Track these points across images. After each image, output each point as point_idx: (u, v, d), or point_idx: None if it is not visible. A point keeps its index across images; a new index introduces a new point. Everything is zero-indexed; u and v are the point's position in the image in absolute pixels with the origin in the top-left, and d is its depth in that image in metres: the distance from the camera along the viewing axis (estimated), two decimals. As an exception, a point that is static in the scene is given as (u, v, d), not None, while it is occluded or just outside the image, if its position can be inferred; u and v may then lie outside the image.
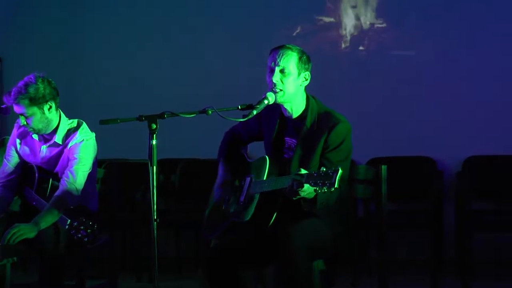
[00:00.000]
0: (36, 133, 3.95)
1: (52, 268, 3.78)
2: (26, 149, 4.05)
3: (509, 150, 5.68)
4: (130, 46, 6.49)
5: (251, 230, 3.38)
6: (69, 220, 3.70)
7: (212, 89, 6.16)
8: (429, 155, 5.81)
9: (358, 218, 5.49)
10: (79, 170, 3.88)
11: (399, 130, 5.92)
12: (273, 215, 3.27)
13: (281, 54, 3.34)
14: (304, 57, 3.38)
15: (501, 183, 5.61)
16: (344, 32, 6.13)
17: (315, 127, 3.35)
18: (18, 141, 4.07)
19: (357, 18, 6.10)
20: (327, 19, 6.15)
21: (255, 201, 3.32)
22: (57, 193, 3.84)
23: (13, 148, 4.08)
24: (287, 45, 3.38)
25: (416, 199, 5.67)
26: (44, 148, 3.99)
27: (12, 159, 4.08)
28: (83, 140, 3.93)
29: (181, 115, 3.23)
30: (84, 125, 4.02)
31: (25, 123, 3.88)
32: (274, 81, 3.33)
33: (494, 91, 5.82)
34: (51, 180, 3.96)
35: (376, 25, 6.07)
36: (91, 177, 3.98)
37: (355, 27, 6.11)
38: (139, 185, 5.51)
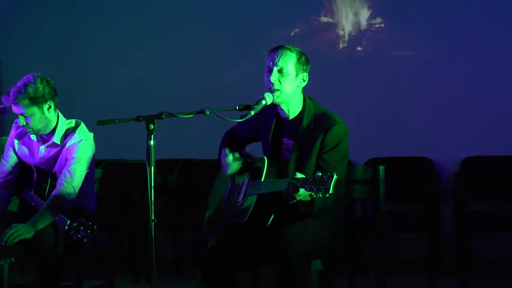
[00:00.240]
0: (35, 134, 3.94)
1: (50, 268, 3.77)
2: (25, 149, 4.04)
3: (507, 150, 5.69)
4: (128, 47, 6.48)
5: (249, 230, 3.38)
6: (68, 221, 3.70)
7: (210, 90, 6.16)
8: (427, 155, 5.82)
9: (356, 218, 5.49)
10: (76, 169, 3.88)
11: (397, 130, 5.92)
12: (271, 216, 3.27)
13: (280, 54, 3.34)
14: (303, 58, 3.38)
15: (498, 184, 5.61)
16: (342, 33, 6.13)
17: (312, 128, 3.35)
18: (16, 141, 4.07)
19: (355, 18, 6.10)
20: (325, 20, 6.16)
21: (253, 202, 3.32)
22: (54, 192, 3.84)
23: (11, 149, 4.08)
24: (286, 46, 3.38)
25: (414, 199, 5.66)
26: (42, 148, 3.99)
27: (11, 160, 4.08)
28: (81, 140, 3.93)
29: (179, 115, 3.24)
30: (82, 125, 4.02)
31: (24, 123, 3.87)
32: (272, 80, 3.33)
33: (492, 92, 5.83)
34: (49, 180, 3.96)
35: (374, 26, 6.07)
36: (89, 177, 3.98)
37: (353, 27, 6.11)
38: (137, 185, 5.51)
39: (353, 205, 5.43)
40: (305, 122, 3.37)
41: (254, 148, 3.72)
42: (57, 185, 3.86)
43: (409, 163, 5.82)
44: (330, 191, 2.93)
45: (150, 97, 6.28)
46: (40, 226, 3.72)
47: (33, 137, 3.99)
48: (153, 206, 3.11)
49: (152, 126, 3.14)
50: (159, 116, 3.17)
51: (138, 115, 3.18)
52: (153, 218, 3.10)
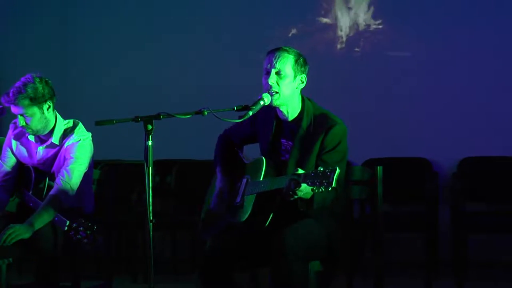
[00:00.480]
0: (34, 134, 3.94)
1: (48, 269, 3.77)
2: (23, 150, 4.04)
3: (504, 151, 5.70)
4: (127, 47, 6.49)
5: (247, 231, 3.38)
6: (68, 222, 3.69)
7: (208, 90, 6.17)
8: (425, 156, 5.83)
9: (354, 219, 5.49)
10: (75, 169, 3.88)
11: (395, 131, 5.93)
12: (269, 216, 3.27)
13: (278, 56, 3.34)
14: (301, 59, 3.38)
15: (496, 185, 5.62)
16: (340, 33, 6.14)
17: (311, 129, 3.35)
18: (14, 142, 4.06)
19: (353, 19, 6.10)
20: (323, 20, 6.16)
21: (252, 202, 3.32)
22: (51, 192, 3.84)
23: (8, 150, 4.08)
24: (284, 47, 3.38)
25: (412, 200, 5.68)
26: (41, 149, 3.99)
27: (9, 161, 4.07)
28: (80, 139, 3.93)
29: (177, 116, 3.24)
30: (80, 125, 4.02)
31: (24, 123, 3.87)
32: (269, 83, 3.33)
33: (490, 92, 5.83)
34: (47, 180, 3.96)
35: (372, 26, 6.08)
36: (87, 177, 3.98)
37: (351, 28, 6.11)
38: (135, 186, 5.51)
39: (351, 205, 5.42)
40: (304, 123, 3.37)
41: (251, 149, 3.72)
42: (55, 184, 3.86)
43: (407, 164, 5.83)
44: (333, 185, 2.93)
45: (148, 97, 6.29)
46: (38, 226, 3.72)
47: (31, 138, 3.99)
48: (151, 207, 3.11)
49: (150, 127, 3.14)
50: (157, 116, 3.17)
51: (136, 116, 3.18)
52: (151, 218, 3.10)
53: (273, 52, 3.36)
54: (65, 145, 3.93)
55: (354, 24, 6.11)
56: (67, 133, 3.97)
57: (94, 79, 6.55)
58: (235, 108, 3.33)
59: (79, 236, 3.67)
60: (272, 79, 3.33)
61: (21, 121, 3.88)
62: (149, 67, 6.44)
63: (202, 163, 5.88)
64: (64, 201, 3.83)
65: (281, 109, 3.41)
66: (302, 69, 3.38)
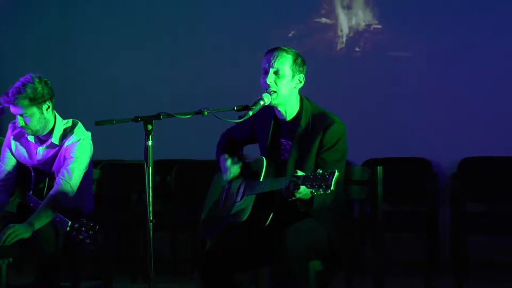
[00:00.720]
0: (34, 134, 3.94)
1: (48, 269, 3.77)
2: (22, 151, 4.04)
3: (504, 151, 5.69)
4: (127, 47, 6.49)
5: (247, 230, 3.38)
6: (70, 222, 3.69)
7: (208, 90, 6.17)
8: (425, 156, 5.82)
9: (354, 219, 5.49)
10: (75, 168, 3.88)
11: (395, 131, 5.92)
12: (269, 216, 3.27)
13: (276, 56, 3.34)
14: (299, 59, 3.38)
15: (496, 185, 5.61)
16: (340, 33, 6.13)
17: (310, 128, 3.35)
18: (13, 143, 4.06)
19: (353, 19, 6.10)
20: (323, 21, 6.16)
21: (252, 202, 3.32)
22: (51, 192, 3.84)
23: (8, 150, 4.07)
24: (282, 47, 3.38)
25: (412, 200, 5.67)
26: (40, 149, 3.98)
27: (8, 161, 4.07)
28: (79, 139, 3.93)
29: (177, 116, 3.24)
30: (80, 125, 4.02)
31: (23, 124, 3.87)
32: (268, 82, 3.33)
33: (489, 92, 5.83)
34: (47, 180, 3.96)
35: (372, 26, 6.08)
36: (87, 177, 3.98)
37: (351, 28, 6.11)
38: (134, 186, 5.51)
39: (351, 205, 5.43)
40: (303, 122, 3.37)
41: (252, 149, 3.72)
42: (55, 184, 3.86)
43: (407, 164, 5.82)
44: (332, 188, 2.94)
45: (148, 97, 6.29)
46: (38, 225, 3.72)
47: (31, 138, 3.99)
48: (151, 207, 3.11)
49: (150, 127, 3.14)
50: (157, 116, 3.17)
51: (136, 116, 3.18)
52: (151, 218, 3.10)
53: (272, 52, 3.36)
54: (65, 144, 3.93)
55: (354, 24, 6.11)
56: (67, 133, 3.97)
57: (94, 79, 6.55)
58: (235, 108, 3.34)
59: (81, 237, 3.66)
60: (270, 79, 3.34)
61: (20, 121, 3.87)
62: (149, 67, 6.44)
63: (202, 163, 5.88)
64: (64, 201, 3.83)
65: (279, 108, 3.41)
66: (300, 68, 3.38)
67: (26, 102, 3.81)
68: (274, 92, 3.34)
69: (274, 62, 3.33)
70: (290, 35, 6.16)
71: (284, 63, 3.34)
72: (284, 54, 3.35)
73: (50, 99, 3.89)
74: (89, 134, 4.00)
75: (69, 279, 4.05)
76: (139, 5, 6.51)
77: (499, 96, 5.81)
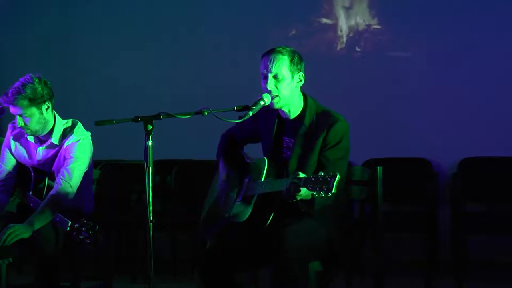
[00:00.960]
0: (33, 135, 3.94)
1: (48, 269, 3.77)
2: (22, 151, 4.04)
3: (505, 151, 5.69)
4: (126, 47, 6.49)
5: (248, 230, 3.38)
6: (70, 222, 3.69)
7: (208, 90, 6.17)
8: (425, 156, 5.82)
9: (354, 219, 5.49)
10: (75, 168, 3.87)
11: (395, 131, 5.92)
12: (270, 216, 3.27)
13: (272, 60, 3.33)
14: (296, 58, 3.37)
15: (496, 185, 5.61)
16: (340, 34, 6.13)
17: (314, 126, 3.35)
18: (13, 143, 4.06)
19: (353, 19, 6.10)
20: (323, 21, 6.16)
21: (253, 202, 3.32)
22: (51, 192, 3.84)
23: (7, 151, 4.07)
24: (277, 49, 3.36)
25: (412, 200, 5.67)
26: (40, 150, 3.98)
27: (8, 162, 4.07)
28: (79, 139, 3.93)
29: (177, 116, 3.23)
30: (79, 125, 4.02)
31: (23, 124, 3.86)
32: (269, 88, 3.33)
33: (490, 92, 5.83)
34: (47, 179, 3.95)
35: (372, 27, 6.08)
36: (87, 177, 3.98)
37: (351, 28, 6.11)
38: (135, 186, 5.51)
39: (351, 205, 5.42)
40: (307, 120, 3.37)
41: (253, 148, 3.72)
42: (55, 184, 3.86)
43: (407, 164, 5.82)
44: (333, 191, 2.93)
45: (148, 97, 6.29)
46: (38, 225, 3.72)
47: (31, 138, 3.98)
48: (151, 207, 3.11)
49: (150, 127, 3.14)
50: (157, 116, 3.17)
51: (136, 116, 3.18)
52: (151, 218, 3.10)
53: (267, 56, 3.35)
54: (65, 144, 3.93)
55: (354, 25, 6.11)
56: (67, 133, 3.97)
57: (94, 79, 6.55)
58: (235, 108, 3.34)
59: (81, 237, 3.66)
60: (271, 84, 3.33)
61: (19, 122, 3.87)
62: (149, 67, 6.44)
63: (202, 163, 5.88)
64: (64, 201, 3.82)
65: (283, 109, 3.41)
66: (299, 67, 3.37)
67: (25, 102, 3.81)
68: (276, 96, 3.33)
69: (272, 66, 3.32)
70: (290, 35, 6.16)
71: (282, 65, 3.33)
72: (280, 56, 3.34)
73: (50, 99, 3.89)
74: (89, 134, 4.00)
75: (69, 279, 4.05)
76: (139, 5, 6.51)
77: (499, 96, 5.80)
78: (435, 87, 5.92)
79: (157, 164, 5.83)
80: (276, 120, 3.47)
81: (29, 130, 3.90)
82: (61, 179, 3.85)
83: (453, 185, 5.64)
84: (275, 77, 3.33)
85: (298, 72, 3.38)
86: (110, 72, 6.51)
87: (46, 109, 3.88)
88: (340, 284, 5.05)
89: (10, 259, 3.90)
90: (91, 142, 3.99)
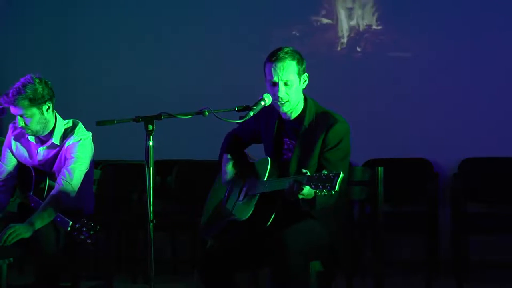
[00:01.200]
0: (34, 135, 3.93)
1: (48, 269, 3.77)
2: (23, 151, 4.03)
3: (505, 152, 5.69)
4: (126, 47, 6.49)
5: (248, 230, 3.38)
6: (70, 222, 3.69)
7: (208, 90, 6.17)
8: (426, 157, 5.82)
9: (354, 219, 5.49)
10: (76, 169, 3.87)
11: (396, 131, 5.92)
12: (271, 216, 3.27)
13: (282, 68, 3.30)
14: (300, 59, 3.36)
15: (497, 185, 5.61)
16: (341, 34, 6.13)
17: (313, 127, 3.34)
18: (13, 143, 4.06)
19: (354, 19, 6.10)
20: (324, 21, 6.16)
21: (254, 201, 3.32)
22: (52, 192, 3.84)
23: (8, 151, 4.07)
24: (283, 53, 3.32)
25: (412, 201, 5.67)
26: (41, 150, 3.98)
27: (9, 162, 4.07)
28: (80, 139, 3.93)
29: (178, 116, 3.23)
30: (80, 125, 4.01)
31: (23, 124, 3.86)
32: (280, 96, 3.31)
33: (490, 93, 5.83)
34: (47, 180, 3.95)
35: (373, 27, 6.08)
36: (87, 177, 3.98)
37: (352, 28, 6.11)
38: (135, 186, 5.51)
39: (351, 206, 5.42)
40: (306, 121, 3.36)
41: (253, 149, 3.72)
42: (56, 184, 3.86)
43: (407, 164, 5.82)
44: (336, 189, 2.93)
45: (149, 97, 6.29)
46: (38, 225, 3.72)
47: (31, 138, 3.98)
48: (151, 207, 3.11)
49: (151, 127, 3.14)
50: (158, 116, 3.17)
51: (137, 116, 3.18)
52: (151, 219, 3.10)
53: (276, 63, 3.30)
54: (66, 145, 3.93)
55: (355, 25, 6.11)
56: (68, 133, 3.97)
57: (94, 79, 6.55)
58: (236, 109, 3.33)
59: (82, 237, 3.66)
60: (282, 92, 3.32)
61: (20, 122, 3.87)
62: (150, 67, 6.44)
63: (203, 163, 5.88)
64: (65, 201, 3.82)
65: (285, 111, 3.41)
66: (303, 67, 3.37)
67: (26, 102, 3.80)
68: (287, 101, 3.33)
69: (282, 74, 3.30)
70: (291, 35, 6.16)
71: (291, 71, 3.31)
72: (288, 62, 3.31)
73: (50, 99, 3.89)
74: (90, 134, 4.00)
75: (69, 279, 4.05)
76: (139, 5, 6.51)
77: (500, 96, 5.80)
78: (436, 87, 5.92)
79: (158, 164, 5.77)
80: (277, 121, 3.46)
81: (29, 131, 3.89)
82: (62, 179, 3.85)
83: (454, 185, 5.64)
84: (285, 83, 3.32)
85: (303, 73, 3.38)
86: (110, 72, 6.51)
87: (47, 109, 3.87)
88: (341, 284, 5.03)
89: (11, 259, 3.90)
90: (92, 142, 3.99)
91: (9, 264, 3.92)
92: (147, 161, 3.11)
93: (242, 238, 3.41)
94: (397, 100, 5.97)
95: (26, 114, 3.83)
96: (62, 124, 3.98)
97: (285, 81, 3.31)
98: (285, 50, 3.33)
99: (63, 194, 3.82)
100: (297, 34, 6.17)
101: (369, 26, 6.08)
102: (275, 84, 3.32)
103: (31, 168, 4.00)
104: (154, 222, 3.11)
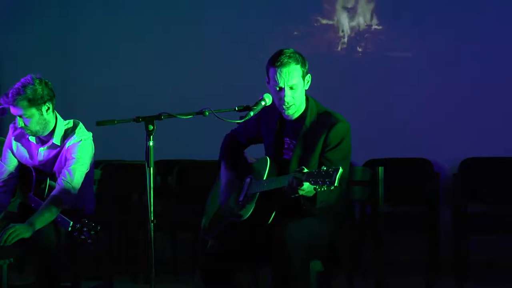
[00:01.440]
0: (33, 135, 3.93)
1: (49, 269, 3.76)
2: (23, 151, 4.03)
3: (506, 152, 5.69)
4: (127, 47, 6.49)
5: (249, 229, 3.38)
6: (71, 222, 3.68)
7: (209, 90, 6.17)
8: (426, 156, 5.82)
9: (355, 219, 5.49)
10: (76, 169, 3.87)
11: (396, 131, 5.92)
12: (272, 215, 3.27)
13: (288, 73, 3.29)
14: (303, 61, 3.36)
15: (497, 185, 5.61)
16: (341, 34, 6.13)
17: (315, 127, 3.35)
18: (14, 143, 4.05)
19: (354, 19, 6.10)
20: (324, 21, 6.16)
21: (254, 200, 3.32)
22: (53, 192, 3.83)
23: (9, 151, 4.07)
24: (287, 57, 3.31)
25: (413, 201, 5.67)
26: (42, 150, 3.98)
27: (10, 162, 4.06)
28: (81, 139, 3.92)
29: (178, 116, 3.23)
30: (81, 125, 4.01)
31: (23, 124, 3.86)
32: (287, 100, 3.31)
33: (491, 93, 5.83)
34: (48, 180, 3.95)
35: (373, 27, 6.08)
36: (88, 177, 3.98)
37: (352, 28, 6.11)
38: (136, 186, 5.51)
39: (352, 206, 5.42)
40: (308, 121, 3.37)
41: (254, 149, 3.72)
42: (57, 185, 3.86)
43: (408, 164, 5.82)
44: (336, 184, 2.92)
45: (149, 97, 6.29)
46: (38, 225, 3.71)
47: (32, 139, 3.98)
48: (152, 207, 3.11)
49: (151, 127, 3.13)
50: (158, 117, 3.17)
51: (137, 116, 3.18)
52: (152, 219, 3.10)
53: (281, 68, 3.30)
54: (66, 145, 3.93)
55: (355, 25, 6.11)
56: (68, 133, 3.96)
57: (94, 79, 6.55)
58: (236, 109, 3.33)
59: (83, 237, 3.65)
60: (288, 96, 3.32)
61: (20, 122, 3.87)
62: (150, 67, 6.44)
63: (203, 163, 5.89)
64: (66, 202, 3.82)
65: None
66: (306, 69, 3.38)
67: (25, 103, 3.80)
68: (293, 105, 3.33)
69: (288, 79, 3.30)
70: (291, 35, 6.16)
71: (296, 75, 3.32)
72: (293, 66, 3.31)
73: (50, 100, 3.88)
74: (90, 134, 3.99)
75: (70, 279, 4.05)
76: (139, 5, 6.51)
77: (500, 96, 5.81)
78: (436, 87, 5.92)
79: (158, 165, 5.80)
80: (278, 121, 3.46)
81: (29, 131, 3.89)
82: (63, 179, 3.85)
83: (454, 185, 5.64)
84: (291, 88, 3.32)
85: (306, 75, 3.38)
86: (110, 72, 6.51)
87: (46, 110, 3.87)
88: (341, 284, 5.04)
89: (11, 259, 3.90)
90: (92, 142, 3.99)
91: (10, 264, 3.91)
92: (148, 161, 3.11)
93: (243, 238, 3.41)
94: (397, 100, 5.97)
95: (25, 115, 3.83)
96: (63, 125, 3.98)
97: (291, 85, 3.31)
98: (288, 54, 3.32)
99: (64, 194, 3.81)
100: (297, 34, 6.17)
101: (369, 26, 6.09)
102: (281, 89, 3.32)
103: (32, 169, 4.00)
104: (155, 222, 3.11)
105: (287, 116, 3.41)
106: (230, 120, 3.29)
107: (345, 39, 6.12)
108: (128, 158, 6.10)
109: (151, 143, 3.12)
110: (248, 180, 3.47)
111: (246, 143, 3.69)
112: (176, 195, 6.02)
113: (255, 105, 3.32)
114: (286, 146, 3.44)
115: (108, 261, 4.35)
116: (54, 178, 3.93)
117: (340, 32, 6.14)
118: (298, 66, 3.32)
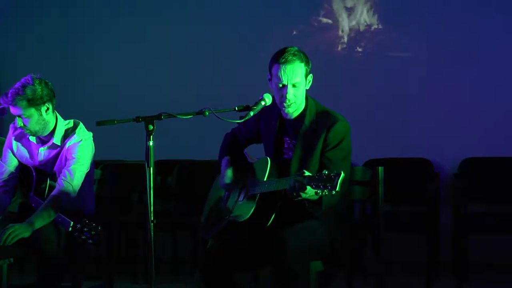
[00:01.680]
0: (33, 135, 3.94)
1: (49, 269, 3.77)
2: (24, 151, 4.03)
3: (506, 152, 5.69)
4: (126, 47, 6.49)
5: (249, 230, 3.38)
6: (72, 222, 3.68)
7: (208, 90, 6.17)
8: (426, 156, 5.82)
9: (355, 219, 5.49)
10: (76, 169, 3.87)
11: (396, 131, 5.92)
12: (272, 216, 3.27)
13: (292, 70, 3.29)
14: (307, 60, 3.36)
15: (497, 185, 5.61)
16: (341, 34, 6.14)
17: (314, 126, 3.35)
18: (14, 143, 4.06)
19: (354, 19, 6.10)
20: (324, 21, 6.16)
21: (255, 201, 3.32)
22: (53, 192, 3.84)
23: (9, 151, 4.07)
24: (292, 55, 3.31)
25: (413, 200, 5.67)
26: (42, 150, 3.98)
27: (10, 162, 4.06)
28: (81, 140, 3.93)
29: (178, 116, 3.23)
30: (81, 125, 4.02)
31: (22, 124, 3.86)
32: (288, 98, 3.31)
33: (491, 92, 5.83)
34: (48, 180, 3.95)
35: (373, 27, 6.08)
36: (88, 178, 3.98)
37: (352, 28, 6.11)
38: (136, 186, 5.51)
39: (352, 206, 5.42)
40: (307, 120, 3.36)
41: (254, 149, 3.72)
42: (57, 185, 3.86)
43: (408, 164, 5.82)
44: (337, 189, 2.92)
45: (149, 97, 6.29)
46: (38, 225, 3.71)
47: (32, 139, 3.98)
48: (152, 207, 3.10)
49: (151, 127, 3.13)
50: (158, 116, 3.17)
51: (137, 116, 3.17)
52: (152, 219, 3.10)
53: (285, 65, 3.30)
54: (67, 145, 3.93)
55: (355, 25, 6.11)
56: (68, 133, 3.97)
57: (94, 79, 6.55)
58: (236, 109, 3.33)
59: (83, 237, 3.65)
60: (290, 94, 3.31)
61: (19, 122, 3.88)
62: (150, 67, 6.44)
63: (203, 163, 5.88)
64: (66, 202, 3.82)
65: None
66: (309, 68, 3.37)
67: (24, 103, 3.80)
68: (294, 103, 3.33)
69: (292, 77, 3.30)
70: (292, 35, 6.16)
71: (300, 73, 3.31)
72: (298, 64, 3.31)
73: (50, 100, 3.88)
74: (91, 134, 3.99)
75: (70, 279, 4.05)
76: (139, 5, 6.51)
77: (501, 96, 5.81)
78: (436, 87, 5.92)
79: (158, 165, 5.75)
80: (277, 120, 3.46)
81: (28, 131, 3.89)
82: (63, 179, 3.85)
83: (454, 185, 5.64)
84: (293, 85, 3.32)
85: (309, 74, 3.38)
86: (110, 72, 6.51)
87: (46, 111, 3.87)
88: (341, 284, 5.05)
89: (11, 259, 3.90)
90: (92, 142, 3.99)
91: (10, 264, 3.92)
92: (148, 161, 3.11)
93: (243, 238, 3.41)
94: (397, 100, 5.97)
95: (24, 115, 3.83)
96: (63, 125, 3.98)
97: (294, 83, 3.31)
98: (293, 51, 3.32)
99: (64, 194, 3.82)
100: (297, 34, 6.17)
101: (369, 26, 6.09)
102: (283, 86, 3.32)
103: (32, 168, 4.00)
104: (155, 222, 3.11)
105: (287, 114, 3.40)
106: (230, 120, 3.29)
107: (345, 39, 6.13)
108: (128, 158, 6.11)
109: (151, 143, 3.12)
110: (248, 180, 3.47)
111: (245, 143, 3.69)
112: (176, 195, 6.02)
113: (255, 105, 3.32)
114: (286, 146, 3.44)
115: (108, 261, 4.35)
116: (54, 178, 3.93)
117: (340, 32, 6.14)
118: (302, 65, 3.33)
